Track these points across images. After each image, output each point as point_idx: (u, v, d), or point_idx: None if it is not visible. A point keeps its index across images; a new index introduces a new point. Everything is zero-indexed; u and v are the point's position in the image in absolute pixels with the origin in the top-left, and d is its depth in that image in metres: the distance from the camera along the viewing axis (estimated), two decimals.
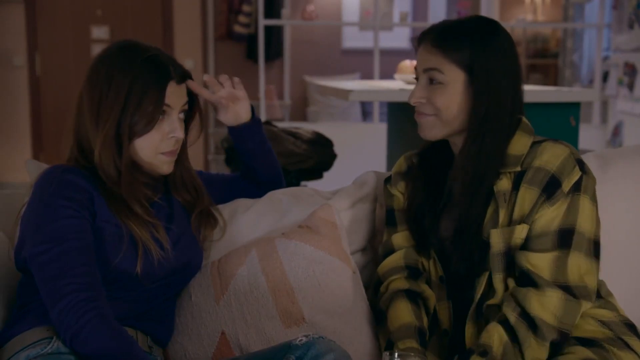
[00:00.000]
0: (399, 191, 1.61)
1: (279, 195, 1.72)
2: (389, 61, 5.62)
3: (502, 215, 1.41)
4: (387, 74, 4.66)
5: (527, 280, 1.38)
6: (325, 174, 3.63)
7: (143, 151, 1.43)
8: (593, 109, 5.56)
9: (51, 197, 1.36)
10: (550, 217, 1.38)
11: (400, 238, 1.59)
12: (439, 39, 1.44)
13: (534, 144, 1.44)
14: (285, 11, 5.75)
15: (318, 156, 3.48)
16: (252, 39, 6.37)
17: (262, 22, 5.04)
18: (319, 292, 1.56)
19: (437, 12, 7.08)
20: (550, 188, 1.38)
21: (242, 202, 1.71)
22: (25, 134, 6.28)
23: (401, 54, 5.95)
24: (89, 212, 1.38)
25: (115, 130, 1.40)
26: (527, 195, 1.40)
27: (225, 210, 1.67)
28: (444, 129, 1.46)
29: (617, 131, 5.05)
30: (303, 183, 3.52)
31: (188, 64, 6.33)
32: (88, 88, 1.43)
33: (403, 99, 3.44)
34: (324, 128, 4.25)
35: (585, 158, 1.77)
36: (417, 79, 1.48)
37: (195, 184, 1.58)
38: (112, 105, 1.39)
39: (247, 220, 1.68)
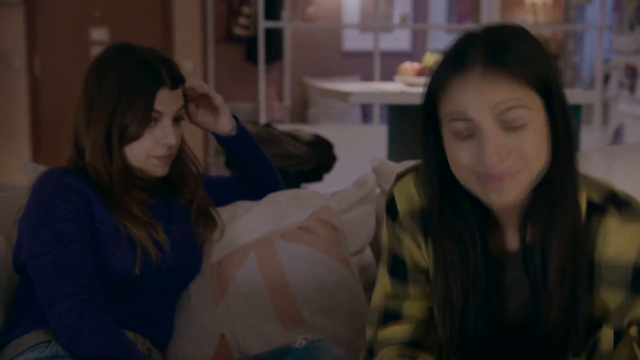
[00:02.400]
0: (415, 243, 1.19)
1: (279, 197, 1.71)
2: (389, 63, 5.61)
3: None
4: (388, 76, 4.66)
5: None
6: (326, 176, 3.62)
7: (134, 156, 1.42)
8: (594, 111, 5.55)
9: (49, 199, 1.36)
10: None
11: (415, 308, 1.21)
12: (501, 59, 1.00)
13: (592, 208, 1.08)
14: (285, 13, 5.75)
15: (318, 158, 3.47)
16: (252, 41, 6.36)
17: (262, 24, 5.03)
18: (318, 294, 1.55)
19: (437, 13, 7.07)
20: (639, 280, 1.05)
21: (241, 204, 1.70)
22: (24, 135, 6.27)
23: (402, 56, 5.95)
24: (86, 215, 1.38)
25: (105, 134, 1.39)
26: (610, 299, 1.07)
27: (224, 212, 1.66)
28: (531, 183, 1.05)
29: (618, 133, 5.04)
30: (303, 185, 3.51)
31: (188, 65, 6.33)
32: (83, 90, 1.43)
33: (403, 101, 3.44)
34: (324, 130, 4.25)
35: (590, 155, 1.76)
36: (467, 135, 1.03)
37: (195, 183, 1.57)
38: (103, 108, 1.39)
39: (246, 222, 1.67)
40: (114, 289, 1.39)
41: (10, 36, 6.11)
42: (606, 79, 5.34)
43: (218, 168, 6.29)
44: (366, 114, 7.00)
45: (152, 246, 1.41)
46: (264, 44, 5.06)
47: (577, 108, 3.07)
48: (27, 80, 6.22)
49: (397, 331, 1.21)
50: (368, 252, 1.74)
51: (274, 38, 6.51)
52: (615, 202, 1.07)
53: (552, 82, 1.03)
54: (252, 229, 1.67)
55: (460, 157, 1.04)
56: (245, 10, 6.45)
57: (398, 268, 1.21)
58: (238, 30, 6.50)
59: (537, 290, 1.09)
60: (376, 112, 5.84)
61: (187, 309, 1.56)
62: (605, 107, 5.48)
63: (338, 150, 3.61)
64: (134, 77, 1.39)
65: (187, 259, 1.53)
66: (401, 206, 1.18)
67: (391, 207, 1.20)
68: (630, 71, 4.82)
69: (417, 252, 1.18)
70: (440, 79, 1.04)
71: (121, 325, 1.36)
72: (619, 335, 1.07)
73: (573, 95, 3.13)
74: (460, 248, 1.10)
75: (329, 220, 1.64)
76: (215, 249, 1.62)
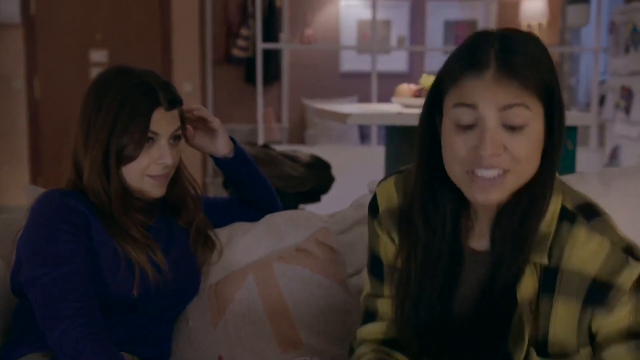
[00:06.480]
0: (390, 240, 1.24)
1: (276, 219, 1.71)
2: (387, 84, 5.63)
3: (528, 330, 1.09)
4: (385, 97, 4.68)
5: None
6: (324, 197, 3.62)
7: (130, 176, 1.42)
8: (590, 132, 5.57)
9: (49, 220, 1.36)
10: (612, 323, 1.05)
11: (388, 305, 1.24)
12: (513, 63, 1.04)
13: (564, 214, 1.10)
14: (284, 35, 5.78)
15: (316, 179, 3.47)
16: (250, 63, 6.39)
17: (261, 45, 5.06)
18: (316, 316, 1.55)
19: (434, 35, 7.12)
20: (596, 295, 1.05)
21: (239, 226, 1.71)
22: (24, 157, 6.27)
23: (399, 77, 5.98)
24: (86, 236, 1.38)
25: (102, 155, 1.40)
26: (566, 311, 1.08)
27: (222, 233, 1.66)
28: (516, 186, 1.09)
29: (614, 154, 5.06)
30: (301, 206, 3.52)
31: (187, 87, 6.35)
32: (81, 111, 1.44)
33: (401, 122, 3.45)
34: (322, 151, 4.26)
35: (587, 177, 1.76)
36: (469, 126, 1.06)
37: (194, 206, 1.58)
38: (100, 129, 1.40)
39: (244, 244, 1.67)
40: (112, 310, 1.39)
41: (10, 58, 6.14)
42: (602, 100, 5.36)
43: (216, 189, 6.29)
44: (364, 134, 7.01)
45: (150, 268, 1.41)
46: (262, 65, 5.09)
47: (574, 130, 3.08)
48: (27, 101, 6.23)
49: (373, 329, 1.26)
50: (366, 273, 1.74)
51: (272, 59, 6.54)
52: (586, 212, 1.10)
53: (555, 91, 1.07)
54: (250, 250, 1.67)
55: (458, 149, 1.07)
56: (244, 32, 6.49)
57: (376, 267, 1.27)
58: (236, 52, 6.53)
59: (487, 293, 1.12)
60: (374, 133, 5.86)
61: (185, 331, 1.56)
62: (602, 128, 5.50)
63: (336, 171, 3.62)
64: (131, 99, 1.40)
65: (185, 281, 1.53)
66: (381, 204, 1.25)
67: (373, 206, 1.26)
68: (626, 93, 4.85)
69: (392, 249, 1.23)
70: (454, 73, 1.07)
71: (120, 347, 1.36)
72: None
73: (569, 117, 3.15)
74: (429, 232, 1.15)
75: (327, 242, 1.64)
76: (214, 271, 1.62)
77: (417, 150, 1.16)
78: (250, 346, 1.52)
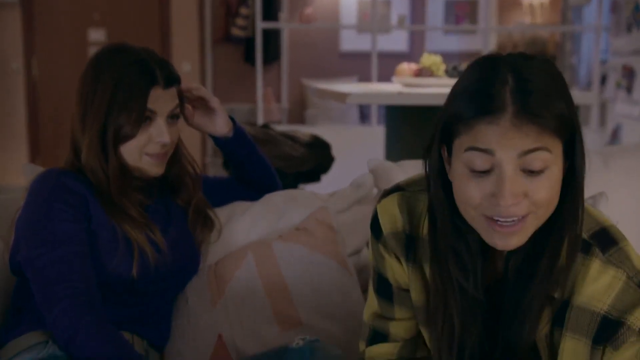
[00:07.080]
0: (398, 263, 1.19)
1: (276, 198, 1.71)
2: (387, 64, 5.61)
3: None
4: (385, 77, 4.67)
5: None
6: (324, 177, 3.62)
7: (129, 155, 1.42)
8: (591, 111, 5.56)
9: (47, 201, 1.36)
10: None
11: (401, 329, 1.23)
12: (531, 105, 0.96)
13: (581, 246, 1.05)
14: (283, 14, 5.75)
15: (316, 159, 3.47)
16: (250, 42, 6.36)
17: (260, 25, 5.03)
18: (315, 295, 1.55)
19: (435, 15, 7.08)
20: (605, 332, 1.00)
21: (238, 205, 1.70)
22: (22, 137, 6.27)
23: (399, 57, 5.95)
24: (84, 216, 1.38)
25: (100, 134, 1.39)
26: (574, 348, 1.03)
27: (222, 213, 1.66)
28: (537, 227, 1.03)
29: (615, 134, 5.05)
30: (301, 186, 3.52)
31: (185, 67, 6.32)
32: (79, 90, 1.43)
33: (401, 102, 3.44)
34: (322, 131, 4.25)
35: (587, 156, 1.76)
36: (484, 172, 0.99)
37: (193, 185, 1.57)
38: (98, 108, 1.39)
39: (243, 223, 1.67)
40: (111, 290, 1.39)
41: (8, 38, 6.11)
42: (603, 80, 5.34)
43: (216, 169, 6.28)
44: (364, 114, 7.00)
45: (149, 247, 1.41)
46: (261, 45, 5.06)
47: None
48: (25, 82, 6.21)
49: (385, 350, 1.24)
50: (365, 252, 1.74)
51: (272, 39, 6.51)
52: (602, 241, 1.05)
53: (574, 124, 1.00)
54: (250, 230, 1.67)
55: (472, 195, 1.00)
56: (243, 11, 6.45)
57: (383, 288, 1.22)
58: (236, 32, 6.50)
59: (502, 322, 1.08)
60: (374, 113, 5.85)
61: (184, 310, 1.56)
62: (603, 108, 5.49)
63: (336, 151, 3.61)
64: (127, 77, 1.39)
65: (184, 260, 1.53)
66: (384, 226, 1.17)
67: (375, 226, 1.19)
68: (627, 72, 4.83)
69: (400, 272, 1.18)
70: (466, 115, 0.98)
71: (119, 326, 1.36)
72: None
73: None
74: (462, 274, 1.08)
75: (326, 221, 1.64)
76: (213, 250, 1.62)
77: (431, 198, 1.09)
78: (249, 325, 1.52)
